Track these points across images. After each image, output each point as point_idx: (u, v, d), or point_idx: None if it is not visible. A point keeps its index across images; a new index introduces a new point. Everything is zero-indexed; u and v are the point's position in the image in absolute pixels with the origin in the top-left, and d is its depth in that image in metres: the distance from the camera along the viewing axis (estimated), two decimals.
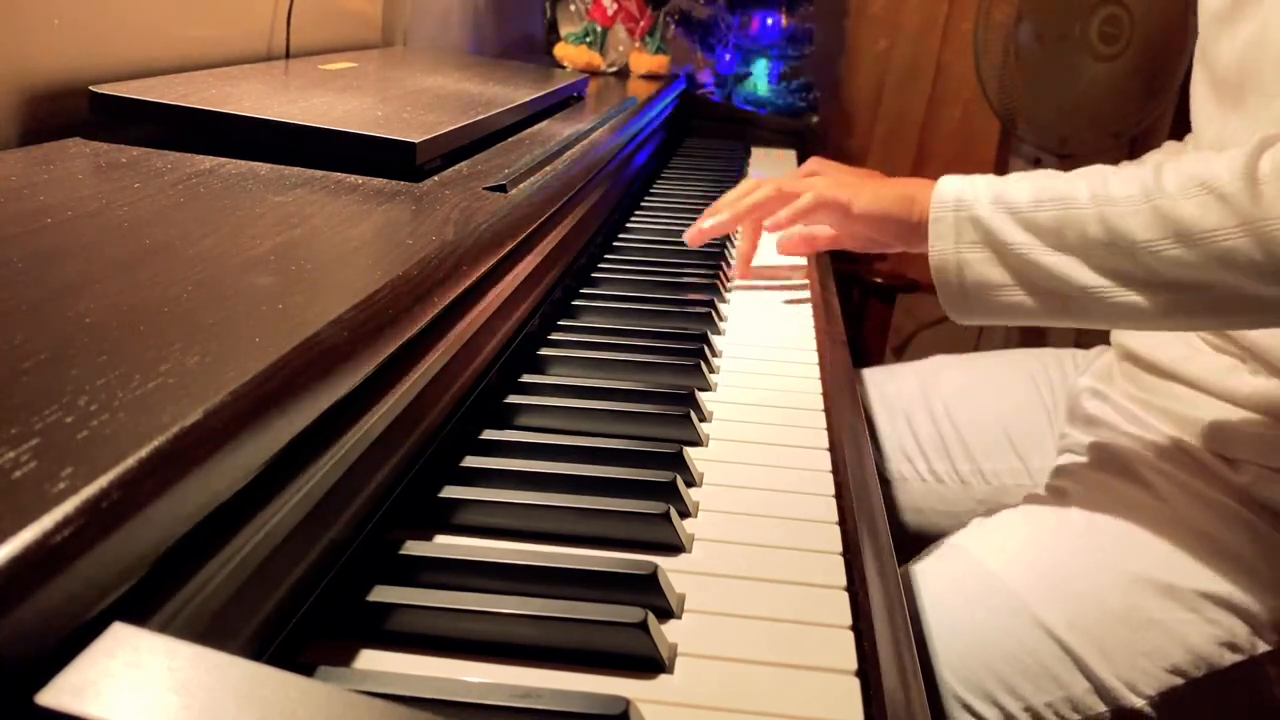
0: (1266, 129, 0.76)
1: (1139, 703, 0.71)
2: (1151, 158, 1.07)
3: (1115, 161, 1.08)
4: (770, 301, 0.90)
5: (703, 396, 0.66)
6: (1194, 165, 0.68)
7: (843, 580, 0.47)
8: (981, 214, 0.75)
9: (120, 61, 0.75)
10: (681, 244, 1.01)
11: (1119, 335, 0.95)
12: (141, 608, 0.27)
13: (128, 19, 0.76)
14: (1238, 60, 0.80)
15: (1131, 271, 0.69)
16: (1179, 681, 0.71)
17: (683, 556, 0.48)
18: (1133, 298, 0.69)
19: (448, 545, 0.47)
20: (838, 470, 0.58)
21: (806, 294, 0.93)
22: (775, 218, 0.91)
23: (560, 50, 1.58)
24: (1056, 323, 0.77)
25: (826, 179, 0.92)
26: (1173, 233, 0.67)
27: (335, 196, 0.58)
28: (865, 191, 0.86)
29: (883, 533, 0.54)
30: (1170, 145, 1.07)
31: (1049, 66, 1.94)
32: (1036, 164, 2.09)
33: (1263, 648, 0.72)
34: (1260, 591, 0.73)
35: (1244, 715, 0.74)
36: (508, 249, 0.59)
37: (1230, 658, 0.71)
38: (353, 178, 0.62)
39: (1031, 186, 0.75)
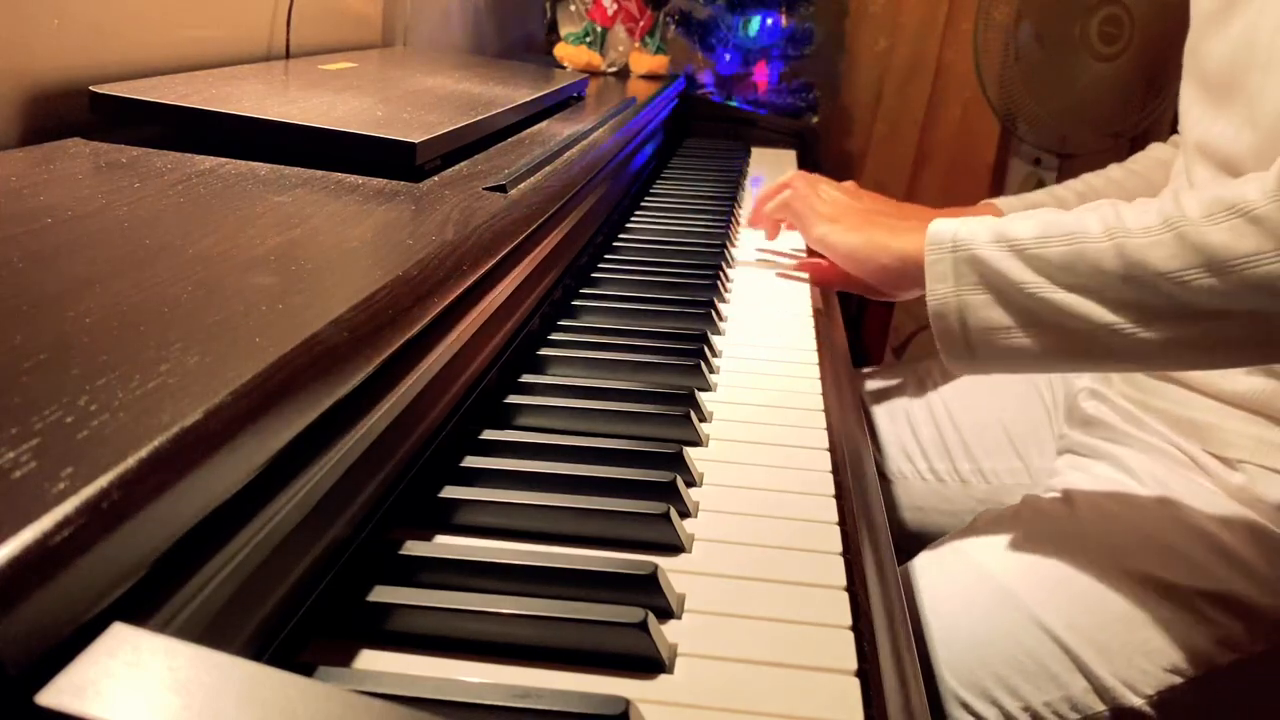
0: (1252, 129, 0.75)
1: (1138, 702, 0.71)
2: (1138, 160, 1.07)
3: (1117, 161, 1.09)
4: (770, 302, 0.90)
5: (703, 396, 0.66)
6: (1218, 190, 0.65)
7: (843, 580, 0.47)
8: (982, 253, 0.70)
9: (120, 61, 0.75)
10: (681, 244, 1.01)
11: None
12: (141, 608, 0.27)
13: (128, 19, 0.76)
14: (1228, 59, 0.79)
15: (1155, 304, 0.65)
16: (1177, 680, 0.71)
17: (683, 556, 0.48)
18: (1158, 333, 0.65)
19: (448, 545, 0.47)
20: (838, 470, 0.58)
21: (807, 293, 0.93)
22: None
23: (560, 50, 1.58)
24: (1070, 367, 0.72)
25: (822, 194, 0.94)
26: (1202, 261, 0.62)
27: (335, 196, 0.58)
28: (844, 220, 0.84)
29: (883, 533, 0.54)
30: (1156, 147, 1.07)
31: (1049, 66, 1.94)
32: (1036, 164, 2.09)
33: (1261, 647, 0.72)
34: (1258, 590, 0.73)
35: (1243, 714, 0.74)
36: (508, 249, 0.59)
37: (1228, 657, 0.71)
38: (353, 178, 0.62)
39: (1035, 223, 0.70)
